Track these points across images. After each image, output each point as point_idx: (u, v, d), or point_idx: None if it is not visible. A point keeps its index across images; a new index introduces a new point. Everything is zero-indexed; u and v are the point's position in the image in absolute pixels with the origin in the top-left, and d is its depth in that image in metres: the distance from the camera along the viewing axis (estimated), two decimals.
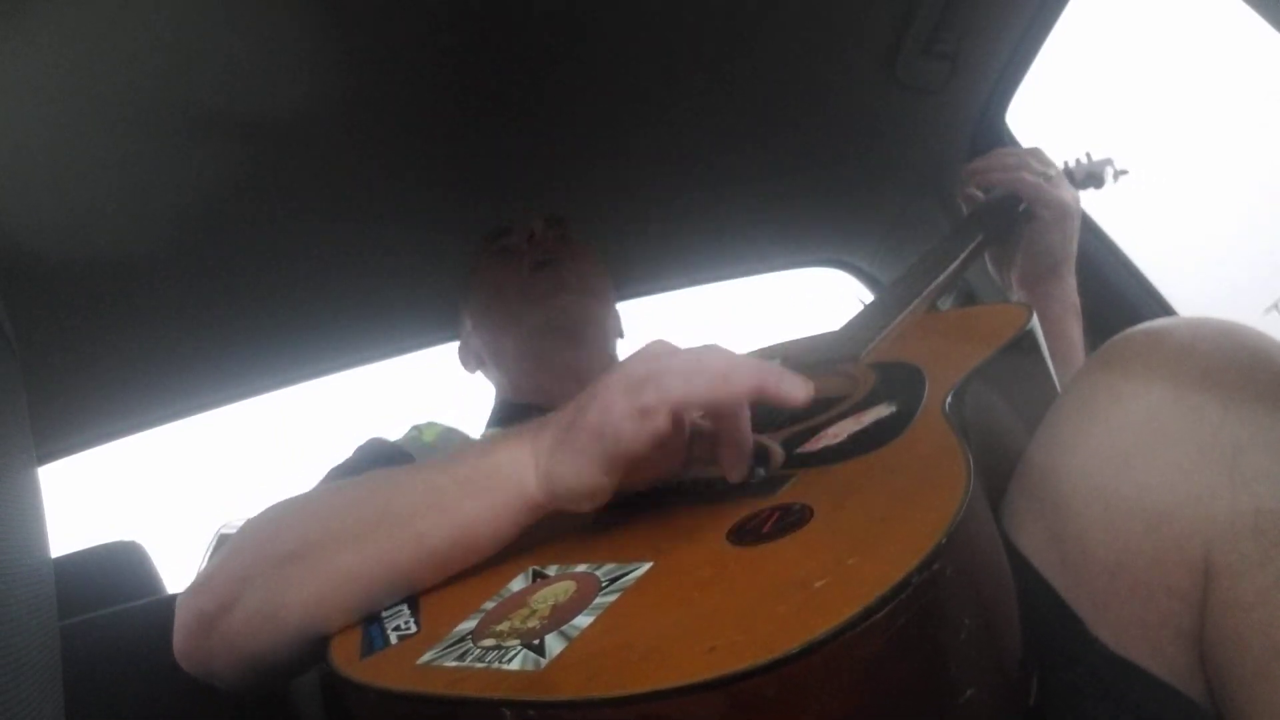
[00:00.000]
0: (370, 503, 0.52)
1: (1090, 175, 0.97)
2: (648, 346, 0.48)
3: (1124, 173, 0.99)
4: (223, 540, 0.68)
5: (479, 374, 1.07)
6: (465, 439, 0.87)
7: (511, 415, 0.95)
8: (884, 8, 0.98)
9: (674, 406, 0.42)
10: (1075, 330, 0.86)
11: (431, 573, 0.49)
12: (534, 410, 0.53)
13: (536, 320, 0.94)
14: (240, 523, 0.57)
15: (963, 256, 0.81)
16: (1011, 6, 0.98)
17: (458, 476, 0.50)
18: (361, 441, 0.80)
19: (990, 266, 0.93)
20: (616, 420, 0.43)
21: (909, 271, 0.82)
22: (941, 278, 0.79)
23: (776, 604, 0.32)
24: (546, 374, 0.95)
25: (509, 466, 0.49)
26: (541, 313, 0.93)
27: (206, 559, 0.73)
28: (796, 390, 0.43)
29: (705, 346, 0.46)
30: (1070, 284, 0.87)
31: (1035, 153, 0.89)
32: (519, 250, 0.98)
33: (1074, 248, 0.87)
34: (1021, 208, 0.86)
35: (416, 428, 0.86)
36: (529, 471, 0.48)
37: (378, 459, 0.76)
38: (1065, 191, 0.87)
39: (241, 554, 0.53)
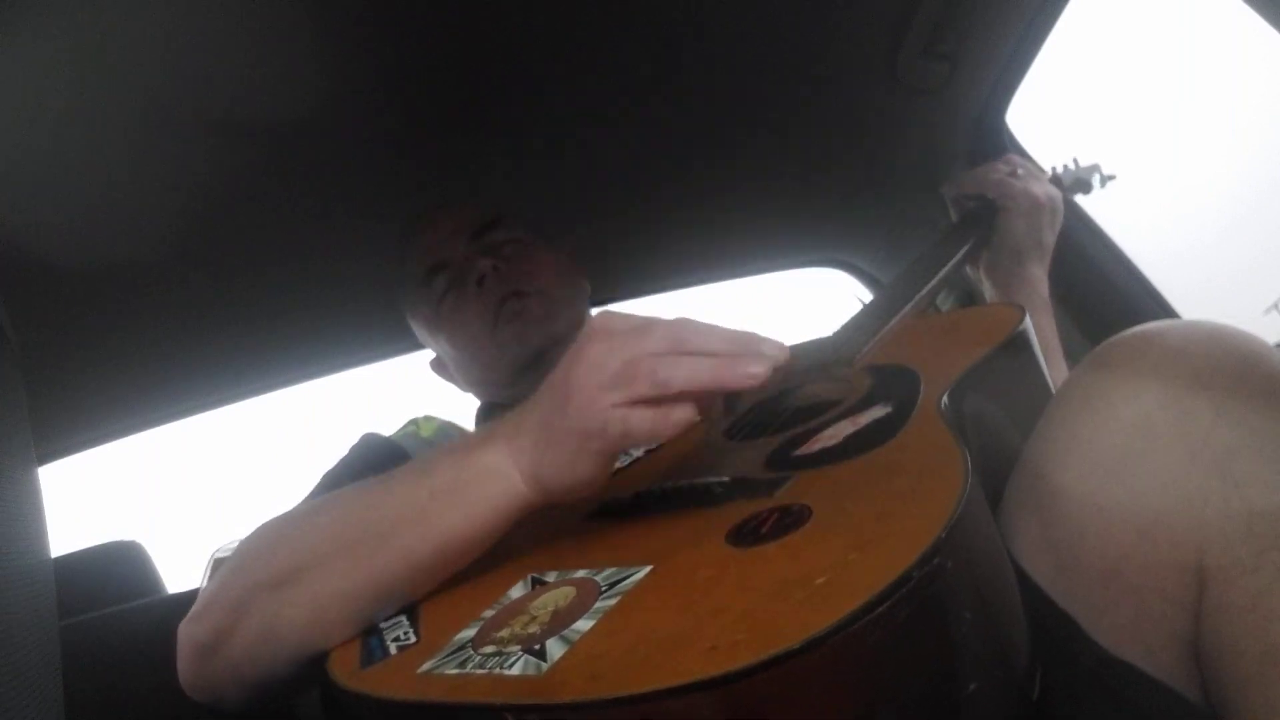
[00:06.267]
0: (352, 522, 0.52)
1: (1078, 181, 0.98)
2: (599, 325, 0.46)
3: (1111, 178, 0.99)
4: (218, 565, 0.68)
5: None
6: (463, 433, 0.86)
7: (495, 415, 0.93)
8: (884, 8, 0.98)
9: (682, 392, 0.42)
10: (1043, 320, 0.85)
11: (422, 585, 0.50)
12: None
13: (515, 359, 0.87)
14: (233, 545, 0.57)
15: (952, 263, 0.81)
16: (1011, 7, 0.98)
17: (435, 488, 0.50)
18: (355, 440, 0.80)
19: None
20: (603, 415, 0.43)
21: (900, 277, 0.82)
22: (933, 283, 0.79)
23: (777, 602, 0.32)
24: (533, 387, 0.93)
25: (489, 471, 0.49)
26: (519, 351, 0.86)
27: (204, 584, 0.74)
28: (784, 353, 0.44)
29: (673, 322, 0.44)
30: (1037, 276, 0.87)
31: (1007, 159, 0.91)
32: (467, 289, 0.88)
33: (1044, 239, 0.87)
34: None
35: (414, 422, 0.85)
36: (513, 472, 0.48)
37: (370, 461, 0.76)
38: (1036, 186, 0.87)
39: (233, 582, 0.53)
